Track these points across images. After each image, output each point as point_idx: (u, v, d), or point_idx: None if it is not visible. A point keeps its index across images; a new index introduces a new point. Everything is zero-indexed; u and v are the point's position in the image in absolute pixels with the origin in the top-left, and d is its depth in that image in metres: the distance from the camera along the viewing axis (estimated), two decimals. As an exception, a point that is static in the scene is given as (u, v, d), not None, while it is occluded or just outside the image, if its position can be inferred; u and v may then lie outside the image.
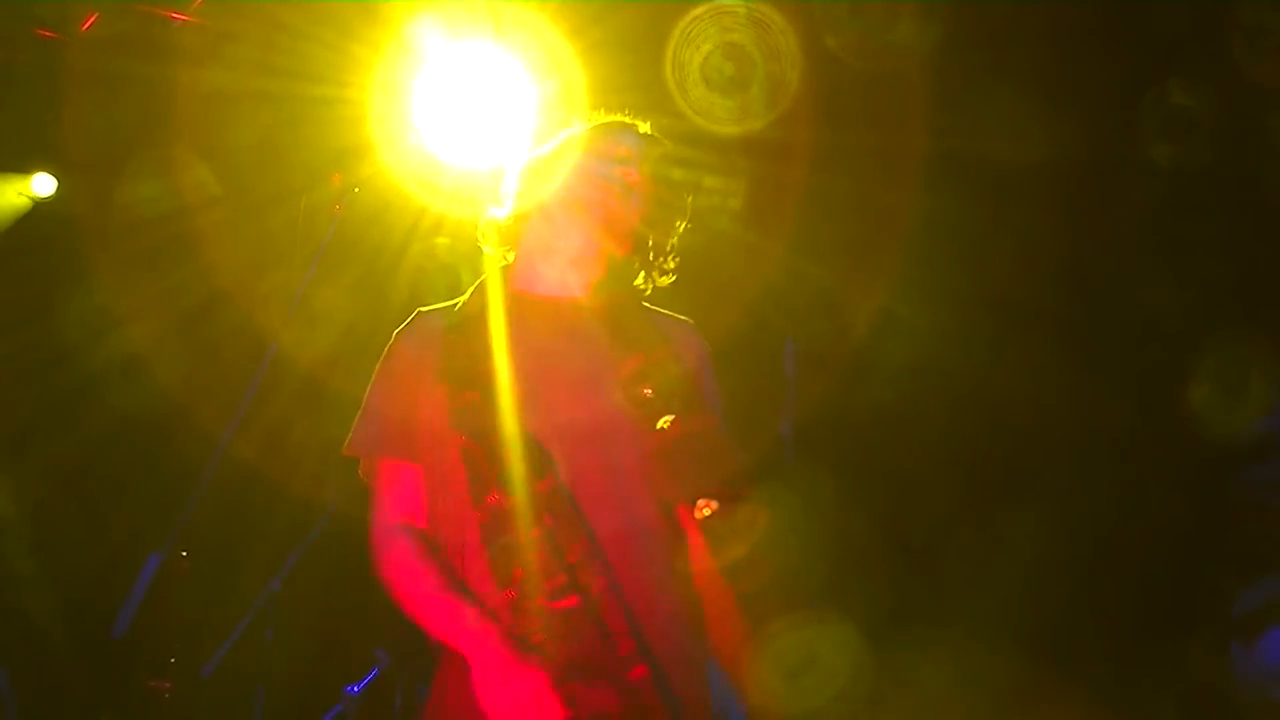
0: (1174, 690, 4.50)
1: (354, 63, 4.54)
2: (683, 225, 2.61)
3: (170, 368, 5.17)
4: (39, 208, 5.44)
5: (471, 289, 2.63)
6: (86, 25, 4.60)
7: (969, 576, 4.96)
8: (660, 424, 2.39)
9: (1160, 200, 4.81)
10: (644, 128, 2.64)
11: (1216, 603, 4.43)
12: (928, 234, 4.94)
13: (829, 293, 5.22)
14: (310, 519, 4.61)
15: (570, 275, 2.57)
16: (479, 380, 2.45)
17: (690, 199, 2.62)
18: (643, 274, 2.61)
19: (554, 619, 2.31)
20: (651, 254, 2.61)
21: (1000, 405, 5.06)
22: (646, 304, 2.62)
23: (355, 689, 4.43)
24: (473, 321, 2.54)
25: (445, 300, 2.64)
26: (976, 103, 4.74)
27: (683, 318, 2.60)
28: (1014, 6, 4.76)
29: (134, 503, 5.08)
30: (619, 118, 2.65)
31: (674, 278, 2.65)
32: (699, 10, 4.77)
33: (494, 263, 2.62)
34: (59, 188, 5.41)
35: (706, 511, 2.40)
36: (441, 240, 4.80)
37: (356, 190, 4.01)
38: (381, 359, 2.58)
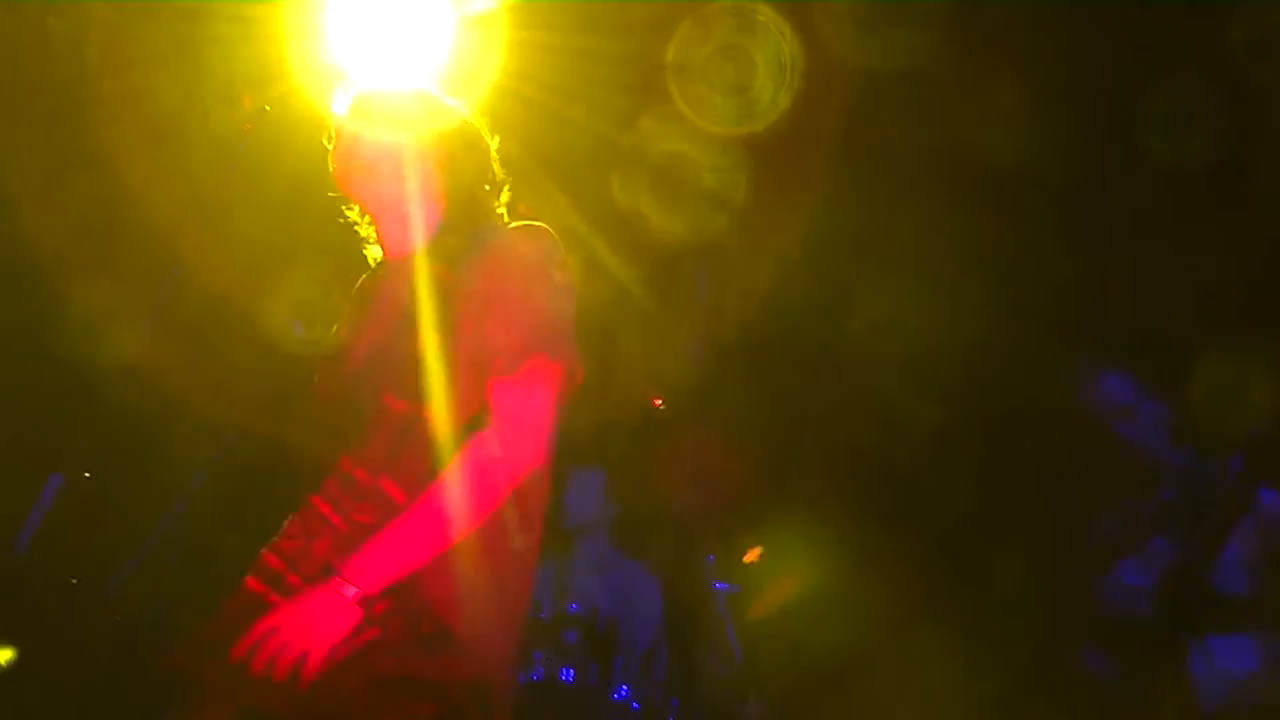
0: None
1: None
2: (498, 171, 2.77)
3: (77, 286, 5.10)
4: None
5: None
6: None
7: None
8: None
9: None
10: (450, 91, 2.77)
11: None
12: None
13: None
14: (218, 440, 4.60)
15: (409, 230, 2.64)
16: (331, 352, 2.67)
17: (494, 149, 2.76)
18: (479, 212, 2.69)
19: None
20: (487, 191, 2.70)
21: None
22: (502, 224, 2.69)
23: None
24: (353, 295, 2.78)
25: (359, 224, 2.75)
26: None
27: (535, 224, 2.65)
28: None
29: (36, 423, 5.03)
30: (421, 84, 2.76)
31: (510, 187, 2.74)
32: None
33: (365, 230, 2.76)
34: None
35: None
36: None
37: (268, 109, 3.96)
38: None
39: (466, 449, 2.39)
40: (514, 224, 2.67)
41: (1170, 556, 4.49)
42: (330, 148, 2.72)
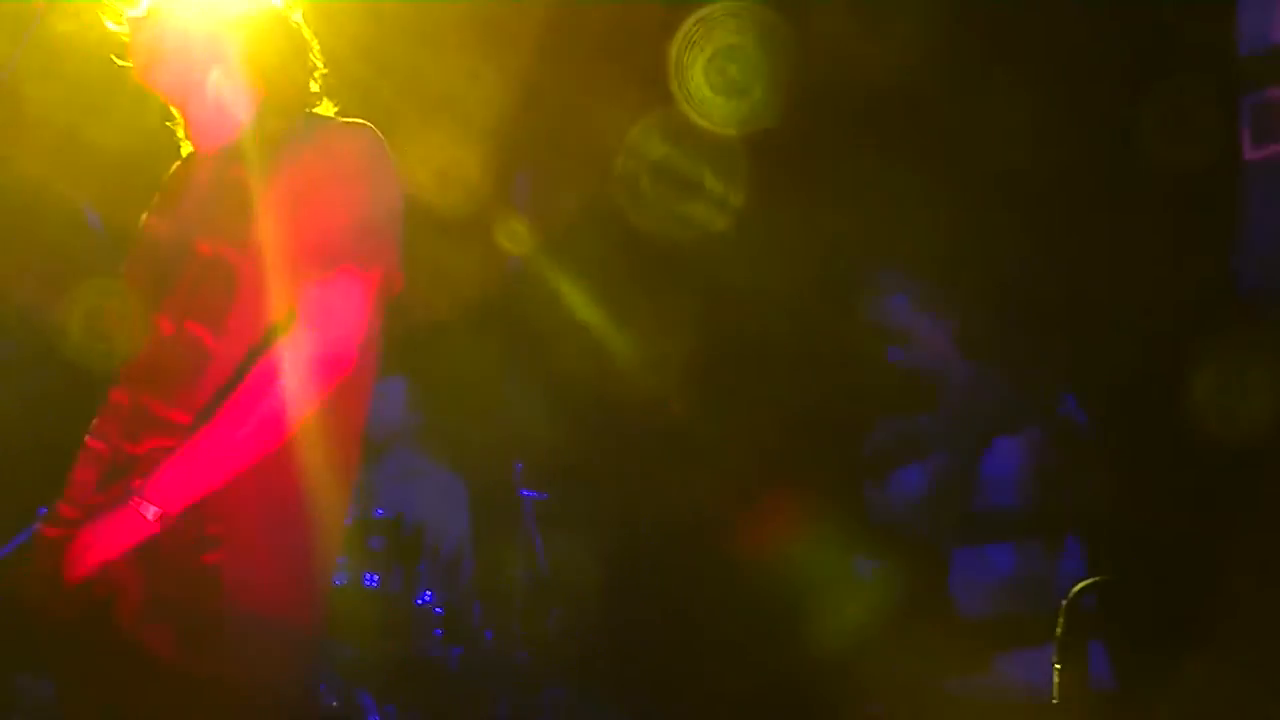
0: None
1: None
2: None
3: None
4: None
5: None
6: None
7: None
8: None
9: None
10: None
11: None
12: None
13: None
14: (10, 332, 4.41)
15: (220, 121, 2.53)
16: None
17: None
18: (297, 103, 2.57)
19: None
20: (305, 82, 2.59)
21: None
22: (325, 118, 2.57)
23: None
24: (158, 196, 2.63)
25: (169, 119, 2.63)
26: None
27: (360, 121, 2.54)
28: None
29: None
30: None
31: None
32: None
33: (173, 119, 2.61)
34: None
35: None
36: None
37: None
38: None
39: (268, 356, 2.29)
40: (338, 120, 2.56)
41: (946, 467, 4.68)
42: (129, 38, 2.57)
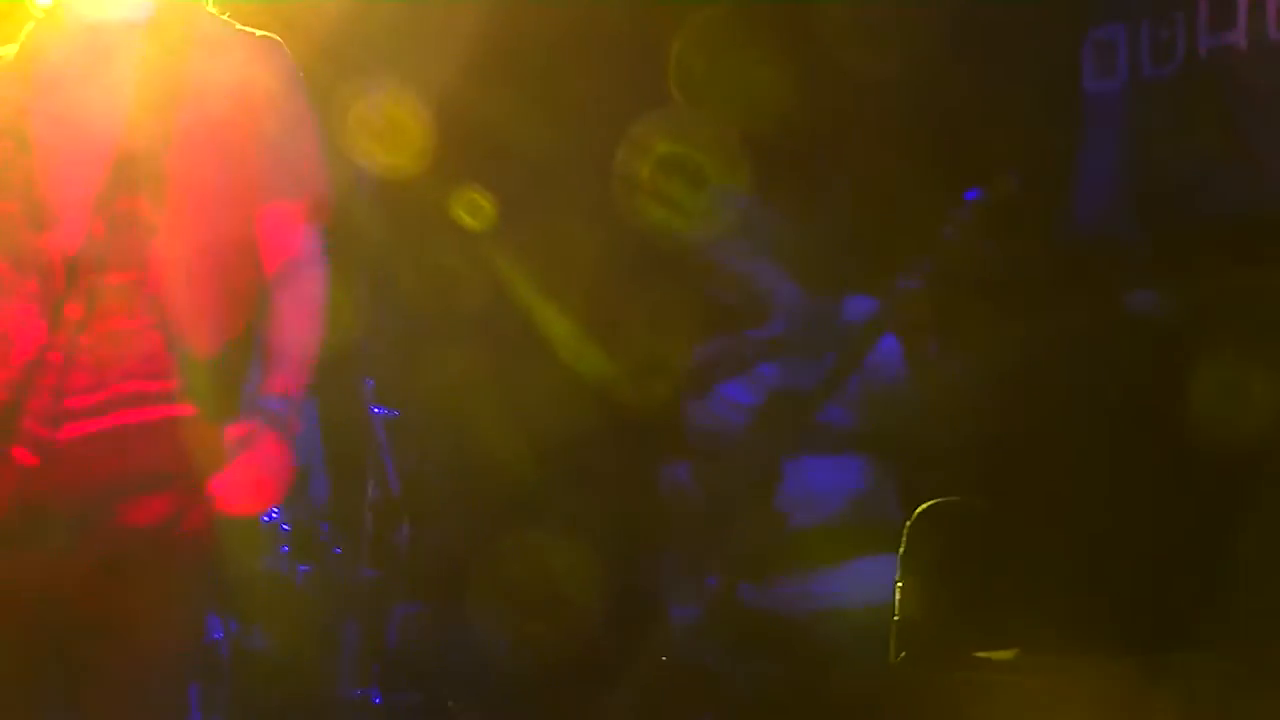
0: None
1: None
2: None
3: None
4: None
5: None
6: None
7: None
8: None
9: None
10: None
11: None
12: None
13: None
14: None
15: None
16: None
17: None
18: None
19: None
20: None
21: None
22: (229, 25, 2.45)
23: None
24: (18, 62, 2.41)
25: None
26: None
27: (264, 34, 2.44)
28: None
29: None
30: None
31: None
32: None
33: None
34: None
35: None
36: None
37: None
38: None
39: (293, 277, 2.29)
40: (248, 30, 2.44)
41: (777, 381, 4.75)
42: None
